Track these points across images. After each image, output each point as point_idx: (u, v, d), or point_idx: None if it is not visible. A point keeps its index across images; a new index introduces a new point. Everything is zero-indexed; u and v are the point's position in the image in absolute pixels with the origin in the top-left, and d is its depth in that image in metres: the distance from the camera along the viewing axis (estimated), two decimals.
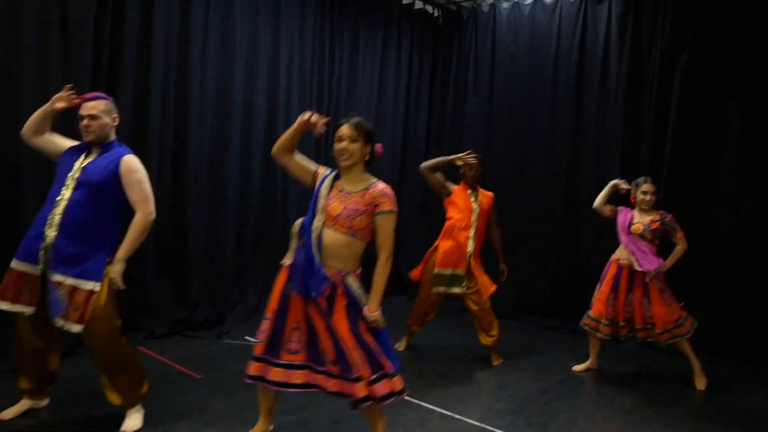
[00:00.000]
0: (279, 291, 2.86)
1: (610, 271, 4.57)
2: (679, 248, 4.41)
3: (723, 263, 5.31)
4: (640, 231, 4.43)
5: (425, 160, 7.20)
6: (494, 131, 6.79)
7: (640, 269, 4.37)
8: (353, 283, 2.81)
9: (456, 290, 4.64)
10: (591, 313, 4.61)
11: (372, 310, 2.77)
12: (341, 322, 2.74)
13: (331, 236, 2.77)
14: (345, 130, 2.82)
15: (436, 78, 7.45)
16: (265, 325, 2.87)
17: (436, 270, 4.67)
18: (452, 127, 7.24)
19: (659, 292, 4.38)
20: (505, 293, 6.38)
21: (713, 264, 5.32)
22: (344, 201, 2.79)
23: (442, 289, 4.67)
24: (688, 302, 4.48)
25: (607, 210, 4.64)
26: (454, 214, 4.74)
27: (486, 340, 4.74)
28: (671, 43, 5.46)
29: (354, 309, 2.79)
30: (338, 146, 2.81)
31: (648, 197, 4.47)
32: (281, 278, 2.87)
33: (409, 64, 7.24)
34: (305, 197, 5.82)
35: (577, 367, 4.76)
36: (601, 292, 4.57)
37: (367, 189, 2.81)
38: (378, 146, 2.92)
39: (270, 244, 5.87)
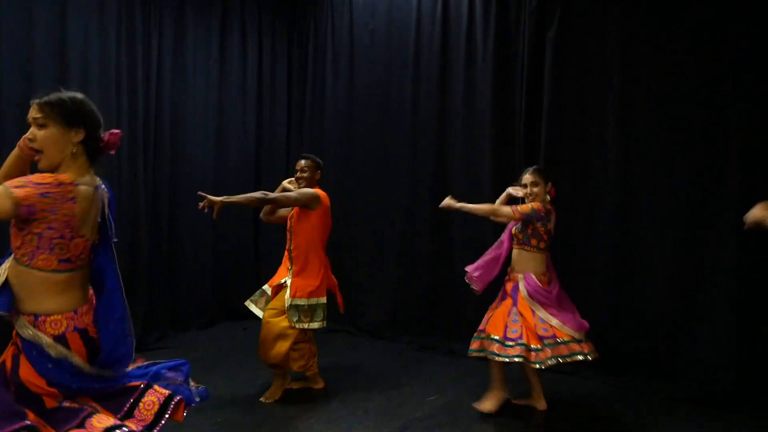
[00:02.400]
0: None
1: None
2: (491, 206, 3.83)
3: (604, 259, 4.52)
4: (520, 236, 3.74)
5: (287, 163, 6.45)
6: (354, 121, 5.91)
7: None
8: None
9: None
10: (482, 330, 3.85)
11: None
12: None
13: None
14: (31, 112, 1.98)
15: (294, 65, 6.50)
16: None
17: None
18: (312, 120, 6.29)
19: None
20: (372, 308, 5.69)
21: (592, 263, 4.56)
22: None
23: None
24: None
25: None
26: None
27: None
28: (539, 13, 4.70)
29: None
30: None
31: (528, 189, 3.67)
32: None
33: (258, 50, 6.22)
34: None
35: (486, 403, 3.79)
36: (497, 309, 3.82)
37: None
38: (109, 134, 2.06)
39: None
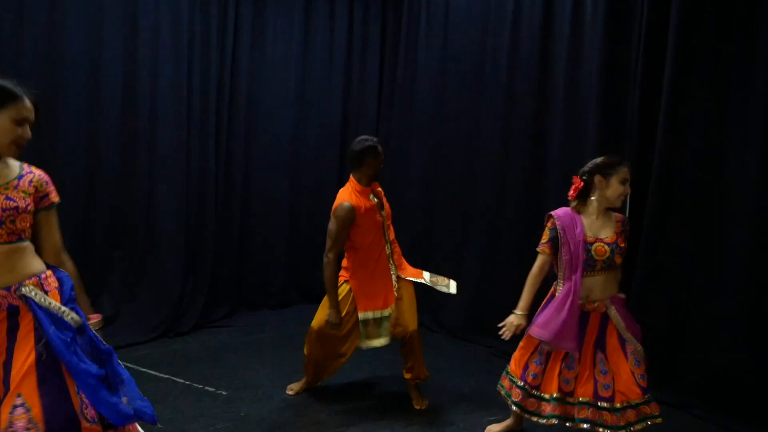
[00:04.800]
0: None
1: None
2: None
3: (734, 287, 3.53)
4: (606, 254, 2.77)
5: (376, 136, 5.97)
6: (447, 94, 5.26)
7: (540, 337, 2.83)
8: (34, 290, 1.92)
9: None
10: (508, 367, 3.10)
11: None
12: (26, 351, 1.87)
13: None
14: None
15: (388, 33, 5.95)
16: None
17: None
18: (402, 93, 5.73)
19: (619, 341, 2.79)
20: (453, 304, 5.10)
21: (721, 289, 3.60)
22: None
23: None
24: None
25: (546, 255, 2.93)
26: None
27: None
28: None
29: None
30: None
31: (627, 188, 2.81)
32: None
33: (349, 17, 5.74)
34: (174, 182, 4.73)
35: (492, 429, 3.24)
36: (528, 338, 2.96)
37: (21, 176, 2.02)
38: None
39: (127, 239, 4.69)
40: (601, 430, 2.71)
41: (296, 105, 5.54)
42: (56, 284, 2.00)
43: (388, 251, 3.43)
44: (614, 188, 2.77)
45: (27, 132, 1.96)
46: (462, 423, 3.37)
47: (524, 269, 4.36)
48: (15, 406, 1.76)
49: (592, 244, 2.77)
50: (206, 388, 3.67)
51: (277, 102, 5.42)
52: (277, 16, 5.36)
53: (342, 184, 5.84)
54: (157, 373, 3.87)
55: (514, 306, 3.02)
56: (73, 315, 1.96)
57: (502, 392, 3.08)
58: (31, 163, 3.92)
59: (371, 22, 5.90)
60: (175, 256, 4.80)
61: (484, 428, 3.25)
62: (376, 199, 3.41)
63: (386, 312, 3.39)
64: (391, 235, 3.50)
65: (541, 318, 2.84)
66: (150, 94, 4.65)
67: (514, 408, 2.97)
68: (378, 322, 3.39)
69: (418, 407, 3.50)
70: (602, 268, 2.78)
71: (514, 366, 3.03)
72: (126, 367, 3.91)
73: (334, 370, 3.63)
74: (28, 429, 1.74)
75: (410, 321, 3.41)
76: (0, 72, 4.07)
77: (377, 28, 5.94)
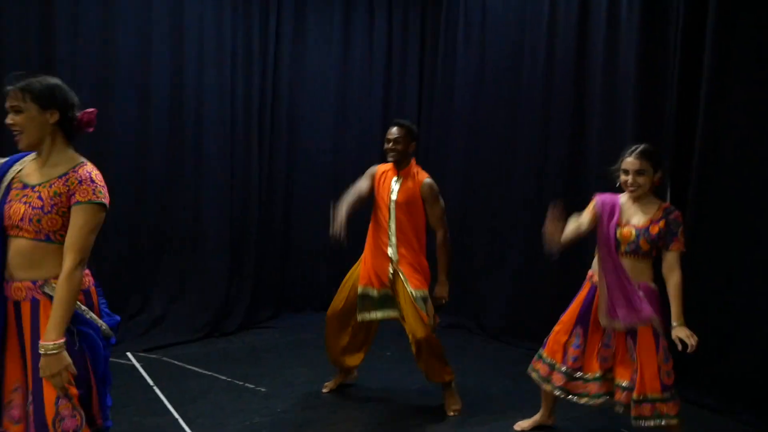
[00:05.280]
0: None
1: (581, 293, 3.03)
2: (676, 279, 2.74)
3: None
4: (631, 237, 2.79)
5: (417, 140, 6.02)
6: (484, 94, 5.29)
7: (607, 320, 2.85)
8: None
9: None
10: (543, 352, 3.10)
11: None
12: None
13: (18, 246, 1.97)
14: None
15: (427, 36, 5.98)
16: None
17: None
18: (442, 96, 5.76)
19: (653, 334, 2.77)
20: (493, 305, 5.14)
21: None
22: (27, 199, 1.96)
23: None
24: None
25: (585, 222, 2.95)
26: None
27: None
28: None
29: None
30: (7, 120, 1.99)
31: (631, 178, 2.80)
32: None
33: (388, 21, 5.81)
34: (219, 185, 4.90)
35: (522, 424, 3.25)
36: (563, 323, 3.03)
37: (64, 175, 1.98)
38: (84, 113, 2.08)
39: (175, 241, 4.88)
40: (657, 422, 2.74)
41: (336, 110, 5.65)
42: (86, 287, 2.03)
43: (390, 237, 3.41)
44: (621, 177, 2.85)
45: (8, 119, 1.97)
46: (495, 423, 3.38)
47: (564, 270, 4.36)
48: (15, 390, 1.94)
49: (620, 226, 2.82)
50: (246, 384, 3.80)
51: (317, 107, 5.55)
52: (317, 24, 5.49)
53: None
54: (201, 370, 4.03)
55: (555, 308, 3.11)
56: (93, 316, 2.01)
57: (535, 376, 3.11)
58: None
59: (410, 27, 5.96)
60: (220, 258, 4.98)
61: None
62: (398, 181, 3.44)
63: (373, 291, 3.44)
64: (407, 229, 3.44)
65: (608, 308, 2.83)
66: (195, 102, 4.85)
67: (556, 393, 3.00)
68: (372, 299, 3.44)
69: (450, 413, 3.46)
70: (626, 252, 2.81)
71: (551, 351, 3.04)
72: (171, 364, 4.13)
73: (350, 350, 3.61)
74: (73, 416, 1.89)
75: (416, 328, 3.31)
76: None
77: (416, 33, 5.99)
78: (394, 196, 3.41)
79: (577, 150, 4.57)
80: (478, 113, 5.35)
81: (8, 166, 2.05)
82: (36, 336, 1.90)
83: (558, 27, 4.68)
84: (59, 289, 1.89)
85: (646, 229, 2.78)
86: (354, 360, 3.66)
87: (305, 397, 3.65)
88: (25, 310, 1.94)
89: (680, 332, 2.64)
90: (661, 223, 2.77)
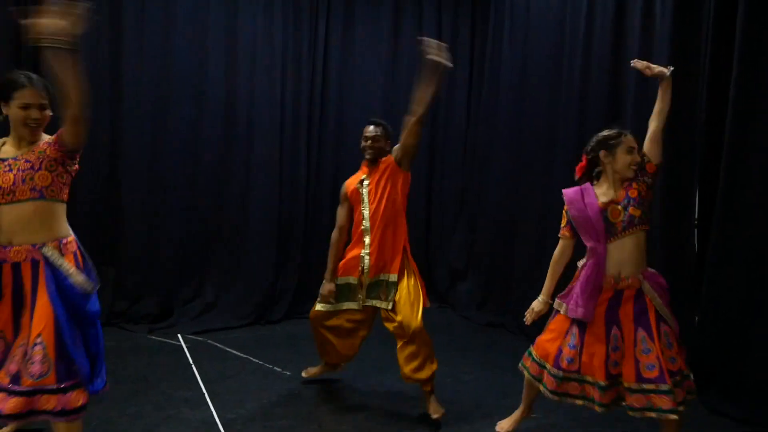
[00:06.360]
0: None
1: None
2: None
3: None
4: (618, 212, 2.70)
5: (464, 143, 6.14)
6: (526, 97, 5.33)
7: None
8: (53, 253, 2.28)
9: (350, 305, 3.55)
10: (535, 352, 2.94)
11: None
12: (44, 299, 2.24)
13: (20, 211, 2.25)
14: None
15: (476, 40, 6.08)
16: None
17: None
18: (488, 100, 5.84)
19: (655, 318, 2.68)
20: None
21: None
22: (13, 166, 2.28)
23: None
24: None
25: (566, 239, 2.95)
26: None
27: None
28: None
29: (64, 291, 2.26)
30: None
31: (637, 157, 2.73)
32: None
33: (437, 26, 5.96)
34: (268, 184, 5.24)
35: (505, 423, 3.18)
36: (556, 322, 2.89)
37: (44, 142, 2.33)
38: None
39: (227, 234, 5.29)
40: (653, 414, 2.60)
41: (383, 114, 5.84)
42: (74, 249, 2.35)
43: (365, 222, 3.47)
44: (622, 159, 2.72)
45: (33, 113, 2.25)
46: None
47: None
48: (35, 344, 2.19)
49: (605, 209, 2.73)
50: (274, 368, 4.09)
51: (364, 111, 5.75)
52: (365, 31, 5.74)
53: (430, 191, 6.11)
54: (238, 353, 4.37)
55: None
56: (79, 278, 2.29)
57: (526, 374, 2.98)
58: (143, 161, 4.62)
59: (460, 30, 6.08)
60: (268, 252, 5.33)
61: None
62: (368, 176, 3.52)
63: (342, 279, 3.55)
64: (381, 217, 3.44)
65: (573, 297, 2.78)
66: (247, 106, 5.24)
67: (550, 396, 2.81)
68: (347, 287, 3.53)
69: (435, 416, 3.26)
70: (624, 228, 2.70)
71: (542, 351, 2.87)
72: (213, 346, 4.48)
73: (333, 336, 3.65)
74: (42, 363, 2.18)
75: (411, 318, 3.25)
76: (121, 85, 4.90)
77: (466, 36, 6.11)
78: (364, 183, 3.51)
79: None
80: (522, 114, 5.40)
81: None
82: (34, 295, 2.23)
83: (594, 29, 4.66)
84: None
85: (626, 196, 2.71)
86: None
87: (325, 382, 3.86)
88: (26, 270, 2.25)
89: None
90: (634, 183, 2.72)
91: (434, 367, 3.31)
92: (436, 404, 3.32)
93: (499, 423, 3.21)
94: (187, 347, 4.46)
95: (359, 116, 5.75)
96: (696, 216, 3.94)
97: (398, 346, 3.30)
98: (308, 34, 5.43)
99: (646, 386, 2.62)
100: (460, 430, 3.27)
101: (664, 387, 2.58)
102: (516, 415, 3.16)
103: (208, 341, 4.62)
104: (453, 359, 4.38)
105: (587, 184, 2.86)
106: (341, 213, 3.67)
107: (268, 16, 5.23)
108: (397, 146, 3.49)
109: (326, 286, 3.58)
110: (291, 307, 5.34)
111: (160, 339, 4.62)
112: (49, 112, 2.32)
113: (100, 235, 4.81)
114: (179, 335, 4.68)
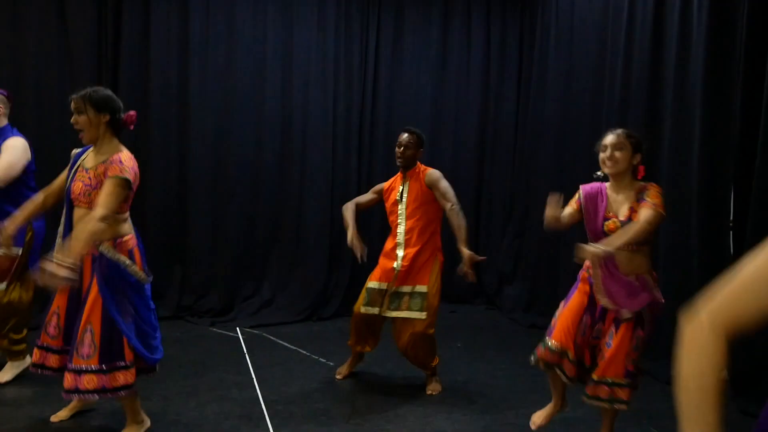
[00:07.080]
0: None
1: (581, 285, 3.02)
2: (645, 215, 2.67)
3: None
4: (616, 230, 2.78)
5: (514, 151, 6.27)
6: (571, 112, 5.45)
7: (611, 307, 2.84)
8: (110, 250, 2.65)
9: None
10: (551, 341, 3.00)
11: (59, 259, 2.33)
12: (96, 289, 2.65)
13: (78, 213, 2.70)
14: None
15: (525, 48, 6.22)
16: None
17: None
18: (535, 107, 5.97)
19: (634, 321, 2.80)
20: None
21: None
22: (83, 178, 2.70)
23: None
24: None
25: (567, 215, 3.01)
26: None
27: None
28: None
29: (114, 281, 2.66)
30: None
31: (609, 152, 2.80)
32: None
33: (486, 35, 6.15)
34: (321, 191, 5.58)
35: (538, 416, 3.25)
36: (569, 311, 2.96)
37: (105, 161, 2.65)
38: (128, 115, 2.76)
39: (284, 237, 5.67)
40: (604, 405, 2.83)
41: (432, 124, 6.04)
42: (129, 247, 2.72)
43: (400, 236, 3.75)
44: (600, 156, 2.86)
45: (73, 118, 2.66)
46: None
47: None
48: (85, 330, 2.59)
49: (606, 220, 2.84)
50: (320, 359, 4.40)
51: (413, 118, 5.97)
52: (415, 42, 5.99)
53: (479, 198, 6.28)
54: (288, 345, 4.71)
55: None
56: (134, 269, 2.70)
57: (542, 365, 3.06)
58: (208, 171, 4.92)
59: (509, 39, 6.25)
60: (321, 253, 5.68)
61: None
62: (406, 183, 3.75)
63: (374, 284, 3.79)
64: (412, 224, 3.69)
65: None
66: (302, 118, 5.62)
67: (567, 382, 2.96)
68: (380, 292, 3.76)
69: (428, 392, 3.74)
70: None
71: (560, 339, 2.95)
72: (268, 339, 4.83)
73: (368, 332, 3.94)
74: (90, 346, 2.59)
75: (415, 321, 3.61)
76: (188, 101, 5.39)
77: (515, 45, 6.27)
78: (403, 198, 3.75)
79: (650, 159, 4.57)
80: (566, 121, 5.51)
81: (79, 156, 2.83)
82: (90, 283, 2.64)
83: (635, 35, 4.72)
84: (85, 224, 2.46)
85: (629, 219, 2.76)
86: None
87: (363, 373, 4.13)
88: (87, 263, 2.67)
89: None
90: (639, 202, 2.76)
91: (435, 361, 3.80)
92: (434, 384, 3.81)
93: (533, 418, 3.26)
94: (243, 339, 4.84)
95: (408, 124, 6.03)
96: (731, 217, 3.95)
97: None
98: (359, 46, 5.76)
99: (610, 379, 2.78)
100: (484, 417, 3.48)
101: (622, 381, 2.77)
102: (549, 408, 3.23)
103: (263, 334, 4.99)
104: (493, 357, 4.58)
105: (603, 185, 2.98)
106: (366, 197, 4.00)
107: (321, 29, 5.61)
108: (436, 177, 3.68)
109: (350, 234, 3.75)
110: (341, 306, 5.64)
111: (220, 331, 5.03)
112: (83, 117, 2.63)
113: (170, 238, 5.31)
114: (237, 328, 5.08)
